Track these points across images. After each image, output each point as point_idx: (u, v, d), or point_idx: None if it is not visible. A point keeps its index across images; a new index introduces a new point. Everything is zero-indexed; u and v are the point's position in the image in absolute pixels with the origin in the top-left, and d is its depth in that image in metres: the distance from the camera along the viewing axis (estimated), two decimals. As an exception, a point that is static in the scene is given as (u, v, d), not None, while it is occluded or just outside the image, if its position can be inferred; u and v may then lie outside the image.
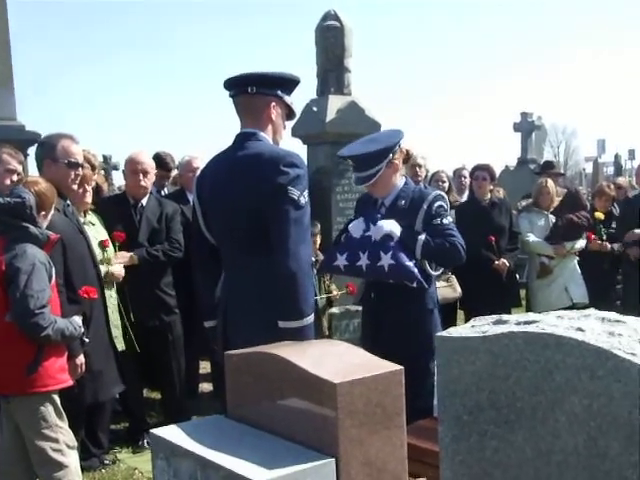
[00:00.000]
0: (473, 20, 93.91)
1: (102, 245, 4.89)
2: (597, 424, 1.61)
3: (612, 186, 8.02)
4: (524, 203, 7.74)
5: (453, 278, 6.08)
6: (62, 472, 3.56)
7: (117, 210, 5.28)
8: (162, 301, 5.30)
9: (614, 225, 7.45)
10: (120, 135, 78.43)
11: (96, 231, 4.91)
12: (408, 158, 4.32)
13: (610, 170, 30.52)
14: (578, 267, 6.91)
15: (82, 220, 4.72)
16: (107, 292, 4.70)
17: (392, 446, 2.32)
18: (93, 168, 5.05)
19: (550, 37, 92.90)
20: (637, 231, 6.94)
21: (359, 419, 2.22)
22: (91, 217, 4.98)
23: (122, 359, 4.65)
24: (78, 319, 3.72)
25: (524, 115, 17.18)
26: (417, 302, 4.06)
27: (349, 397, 2.19)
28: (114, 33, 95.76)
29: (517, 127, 17.21)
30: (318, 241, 5.87)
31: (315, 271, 5.30)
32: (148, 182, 5.37)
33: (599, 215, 7.19)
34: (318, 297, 5.54)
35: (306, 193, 3.14)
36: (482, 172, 6.67)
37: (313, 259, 4.93)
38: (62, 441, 3.58)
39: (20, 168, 4.48)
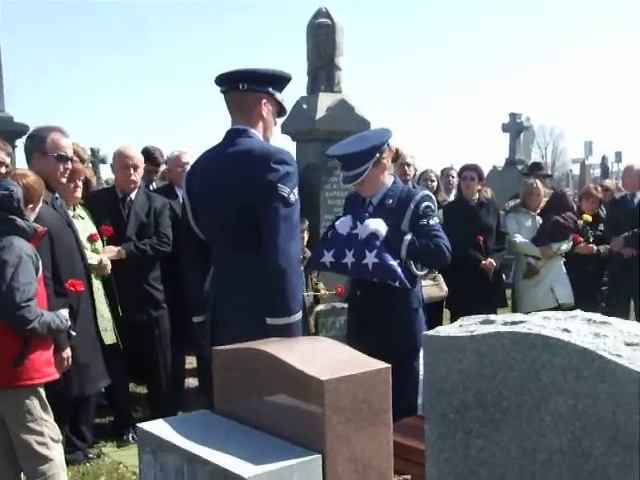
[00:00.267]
0: (468, 21, 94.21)
1: (91, 239, 4.88)
2: (582, 424, 1.63)
3: (599, 188, 8.08)
4: (511, 204, 7.78)
5: (439, 277, 6.10)
6: (47, 465, 3.55)
7: (105, 204, 5.27)
8: (150, 296, 5.29)
9: (601, 227, 7.50)
10: (107, 128, 78.08)
11: (85, 225, 4.90)
12: (397, 157, 4.33)
13: (597, 172, 30.69)
14: (564, 268, 6.95)
15: (71, 214, 4.71)
16: (95, 284, 4.69)
17: (378, 443, 2.34)
18: (82, 161, 5.04)
19: (540, 39, 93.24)
20: (620, 239, 7.01)
21: (346, 416, 2.23)
22: (80, 211, 4.97)
23: (109, 353, 4.65)
24: (65, 312, 3.71)
25: (513, 116, 17.23)
26: (402, 301, 4.08)
27: (336, 394, 2.20)
28: (93, 31, 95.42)
29: (505, 128, 17.27)
30: (306, 238, 5.88)
31: (302, 268, 5.31)
32: (138, 176, 5.36)
33: (587, 217, 7.24)
34: (305, 294, 5.54)
35: (296, 190, 3.14)
36: (470, 172, 6.70)
37: (301, 256, 4.94)
38: (47, 434, 3.57)
39: (8, 160, 4.46)
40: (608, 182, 10.74)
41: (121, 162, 5.31)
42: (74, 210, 4.86)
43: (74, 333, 3.87)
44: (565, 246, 6.90)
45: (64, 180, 4.30)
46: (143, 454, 2.47)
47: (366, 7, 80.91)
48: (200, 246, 3.41)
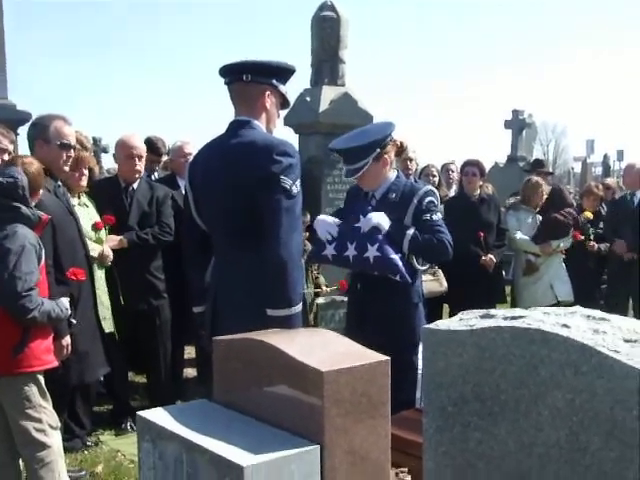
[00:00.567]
0: (471, 18, 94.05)
1: (95, 227, 4.89)
2: (579, 419, 1.64)
3: (600, 186, 8.11)
4: (512, 200, 7.79)
5: (439, 272, 6.11)
6: (45, 452, 3.56)
7: (108, 193, 5.28)
8: (151, 285, 5.31)
9: (602, 225, 7.52)
10: (108, 117, 78.03)
11: (89, 213, 4.91)
12: (402, 150, 4.33)
13: (598, 170, 30.66)
14: (564, 265, 6.97)
15: (77, 202, 4.73)
16: (97, 273, 4.71)
17: (376, 435, 2.35)
18: (85, 150, 5.05)
19: (544, 37, 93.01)
20: (623, 243, 7.06)
21: (345, 408, 2.24)
22: (85, 199, 4.98)
23: (109, 341, 4.66)
24: (65, 301, 3.71)
25: (515, 113, 17.21)
26: (402, 295, 4.09)
27: (335, 385, 2.21)
28: (95, 20, 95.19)
29: (508, 124, 17.24)
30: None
31: (303, 261, 5.32)
32: (141, 166, 5.37)
33: (587, 214, 7.26)
34: (306, 288, 5.56)
35: (298, 182, 3.15)
36: (472, 168, 6.70)
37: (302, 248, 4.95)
38: (45, 421, 3.58)
39: (11, 147, 4.47)
40: (609, 180, 10.74)
41: (125, 152, 5.32)
42: (79, 198, 4.88)
43: (74, 321, 3.88)
44: (564, 243, 6.91)
45: (67, 168, 4.31)
46: (142, 442, 2.47)
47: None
48: (202, 237, 3.41)
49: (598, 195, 7.72)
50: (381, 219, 3.98)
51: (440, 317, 6.24)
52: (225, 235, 3.27)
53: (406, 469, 2.78)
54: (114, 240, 5.06)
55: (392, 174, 4.18)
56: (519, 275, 7.01)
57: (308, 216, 5.91)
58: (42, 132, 4.18)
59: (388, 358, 2.39)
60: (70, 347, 3.87)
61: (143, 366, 5.82)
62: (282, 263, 3.03)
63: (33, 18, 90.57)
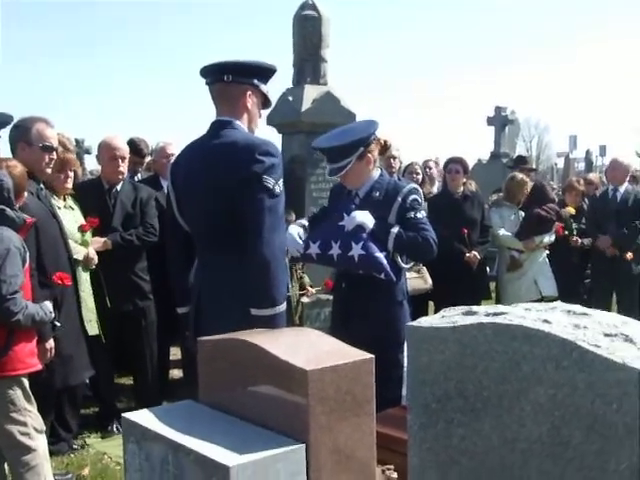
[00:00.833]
0: (451, 17, 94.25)
1: (82, 229, 4.88)
2: (561, 414, 1.66)
3: (582, 181, 8.17)
4: (495, 197, 7.82)
5: (424, 269, 6.13)
6: (30, 456, 3.55)
7: (91, 195, 5.26)
8: (137, 286, 5.30)
9: (584, 220, 7.57)
10: (91, 119, 77.64)
11: (75, 216, 4.90)
12: (386, 149, 4.33)
13: (581, 166, 30.80)
14: (547, 261, 7.01)
15: (62, 204, 4.72)
16: (83, 276, 4.69)
17: (361, 433, 2.36)
18: (68, 152, 5.02)
19: (525, 34, 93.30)
20: (607, 238, 7.11)
21: (329, 406, 2.25)
22: (70, 202, 4.96)
23: (93, 344, 4.65)
24: (49, 304, 3.70)
25: (498, 109, 17.24)
26: (387, 293, 4.09)
27: (320, 384, 2.22)
28: (79, 23, 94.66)
29: (490, 121, 17.27)
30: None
31: (287, 260, 5.32)
32: (125, 168, 5.36)
33: (570, 210, 7.30)
34: (291, 288, 5.56)
35: (281, 182, 3.15)
36: (455, 165, 6.72)
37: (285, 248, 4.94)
38: (30, 425, 3.57)
39: (-7, 151, 4.45)
40: (592, 175, 10.80)
41: (109, 154, 5.30)
42: (64, 201, 4.86)
43: (58, 324, 3.87)
44: (547, 239, 6.95)
45: (49, 170, 4.30)
46: (127, 443, 2.48)
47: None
48: (185, 238, 3.41)
49: (580, 190, 7.77)
50: (365, 218, 3.98)
51: (425, 314, 6.21)
52: (207, 236, 3.27)
53: (392, 466, 2.79)
54: (98, 242, 5.04)
55: (376, 172, 4.18)
56: (503, 271, 7.04)
57: (293, 215, 5.91)
58: (24, 134, 4.17)
59: (372, 356, 2.40)
60: (54, 350, 3.86)
61: (129, 368, 5.81)
62: (265, 263, 3.04)
63: (33, 18, 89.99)
